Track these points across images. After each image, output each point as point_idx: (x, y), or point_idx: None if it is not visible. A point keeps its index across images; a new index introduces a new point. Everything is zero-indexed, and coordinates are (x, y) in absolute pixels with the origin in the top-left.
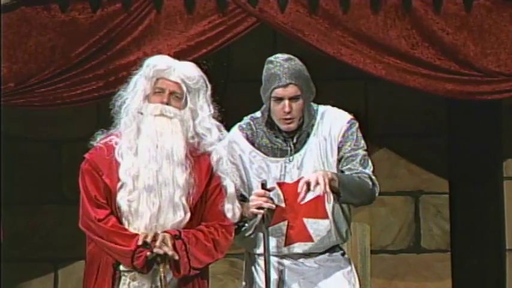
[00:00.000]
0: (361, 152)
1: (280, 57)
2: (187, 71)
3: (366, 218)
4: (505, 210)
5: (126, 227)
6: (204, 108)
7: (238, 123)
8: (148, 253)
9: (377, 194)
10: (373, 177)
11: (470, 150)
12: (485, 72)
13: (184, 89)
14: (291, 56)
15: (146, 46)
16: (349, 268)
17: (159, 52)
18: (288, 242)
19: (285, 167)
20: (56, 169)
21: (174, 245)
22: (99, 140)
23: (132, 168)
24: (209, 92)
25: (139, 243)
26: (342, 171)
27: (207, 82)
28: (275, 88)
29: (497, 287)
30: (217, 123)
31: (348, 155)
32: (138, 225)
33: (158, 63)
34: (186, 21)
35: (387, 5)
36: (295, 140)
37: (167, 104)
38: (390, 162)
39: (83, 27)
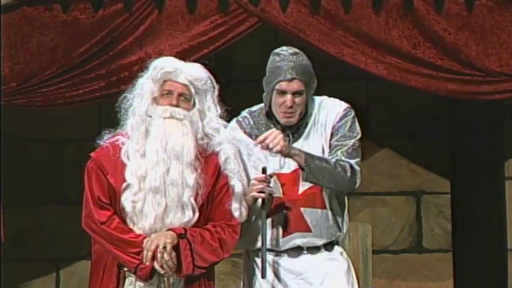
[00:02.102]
0: (351, 142)
1: (287, 50)
2: (194, 73)
3: (368, 218)
4: (507, 210)
5: (131, 227)
6: (211, 109)
7: (236, 118)
8: (151, 267)
9: (357, 185)
10: (356, 167)
11: (472, 150)
12: (487, 72)
13: (193, 90)
14: (298, 51)
15: (148, 46)
16: (347, 267)
17: (161, 52)
18: (287, 233)
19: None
20: (58, 169)
21: (177, 245)
22: (106, 140)
23: (139, 169)
24: (216, 93)
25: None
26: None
27: (214, 83)
28: (279, 81)
29: (499, 287)
30: (225, 123)
31: (336, 143)
32: (142, 225)
33: (165, 66)
34: (188, 21)
35: (389, 5)
36: (293, 130)
37: (176, 106)
38: (392, 162)
39: (85, 27)
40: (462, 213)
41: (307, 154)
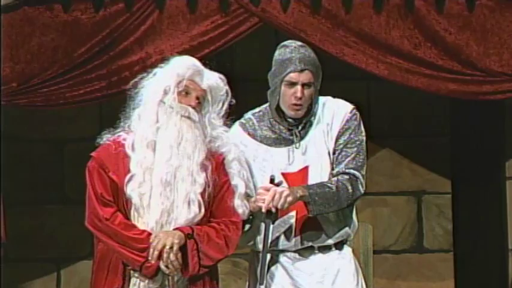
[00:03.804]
0: (355, 149)
1: (294, 42)
2: (216, 81)
3: (369, 218)
4: (508, 210)
5: (136, 219)
6: (220, 116)
7: (238, 120)
8: (156, 265)
9: (360, 194)
10: (360, 176)
11: (472, 150)
12: (488, 72)
13: (209, 97)
14: (304, 44)
15: (149, 46)
16: (356, 269)
17: (162, 52)
18: (298, 233)
19: (293, 151)
20: (59, 169)
21: (184, 244)
22: (107, 138)
23: (145, 160)
24: (227, 105)
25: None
26: (334, 162)
27: (230, 95)
28: (290, 72)
29: (500, 287)
30: (228, 129)
31: (341, 151)
32: (147, 219)
33: (193, 66)
34: (189, 21)
35: (390, 5)
36: (300, 128)
37: (193, 108)
38: (393, 162)
39: (86, 28)
40: (463, 213)
41: (310, 189)
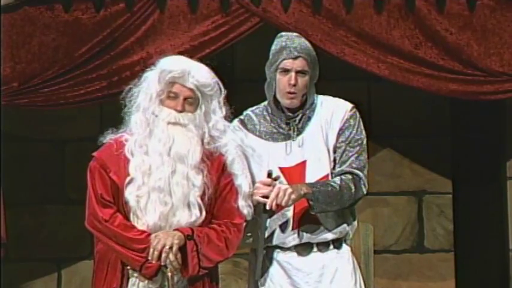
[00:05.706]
0: (357, 149)
1: (290, 33)
2: (202, 78)
3: (369, 218)
4: (508, 210)
5: (135, 222)
6: (216, 111)
7: (238, 117)
8: (156, 266)
9: (363, 194)
10: (362, 176)
11: (473, 150)
12: (489, 72)
13: (199, 94)
14: (300, 35)
15: (149, 46)
16: (354, 268)
17: (163, 52)
18: (295, 226)
19: (291, 146)
20: (59, 169)
21: (184, 245)
22: (110, 138)
23: (143, 164)
24: (223, 96)
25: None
26: (335, 160)
27: (222, 87)
28: (284, 59)
29: (501, 287)
30: (230, 124)
31: (344, 147)
32: (146, 220)
33: (174, 69)
34: (190, 21)
35: (390, 5)
36: (297, 121)
37: (181, 111)
38: (393, 162)
39: (86, 27)
40: (464, 213)
41: (314, 187)
